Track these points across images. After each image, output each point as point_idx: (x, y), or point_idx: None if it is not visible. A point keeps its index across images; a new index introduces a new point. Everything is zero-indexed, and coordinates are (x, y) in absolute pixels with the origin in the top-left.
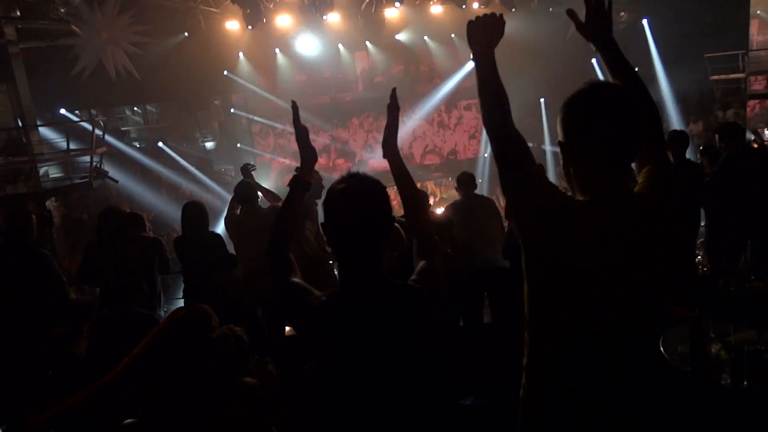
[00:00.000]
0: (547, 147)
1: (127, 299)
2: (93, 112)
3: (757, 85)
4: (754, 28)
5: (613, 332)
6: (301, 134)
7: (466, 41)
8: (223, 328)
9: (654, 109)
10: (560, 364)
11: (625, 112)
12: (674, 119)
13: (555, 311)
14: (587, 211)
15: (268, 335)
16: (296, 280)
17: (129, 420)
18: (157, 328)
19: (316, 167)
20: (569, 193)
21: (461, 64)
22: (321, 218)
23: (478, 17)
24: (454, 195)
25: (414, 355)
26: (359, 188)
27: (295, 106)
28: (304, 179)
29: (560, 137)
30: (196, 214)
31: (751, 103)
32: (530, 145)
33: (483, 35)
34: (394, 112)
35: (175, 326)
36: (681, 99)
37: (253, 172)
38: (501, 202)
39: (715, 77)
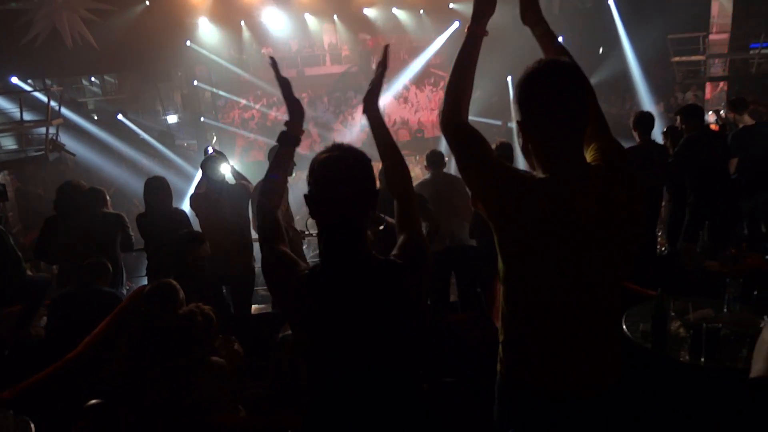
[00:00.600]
0: (515, 125)
1: (91, 278)
2: (48, 82)
3: (715, 68)
4: (714, 11)
5: (573, 305)
6: (285, 87)
7: (434, 16)
8: (190, 306)
9: (590, 86)
10: (531, 336)
11: (577, 87)
12: (644, 98)
13: (524, 285)
14: (546, 186)
15: (233, 313)
16: (285, 248)
17: (93, 401)
18: (121, 305)
19: None
20: (531, 171)
21: (430, 41)
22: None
23: None
24: (419, 174)
25: (399, 330)
26: (345, 159)
27: (273, 62)
28: (293, 133)
29: (517, 116)
30: (158, 189)
31: (709, 85)
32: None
33: (482, 8)
34: (381, 69)
35: (141, 300)
36: (644, 78)
37: (214, 143)
38: None
39: (677, 59)
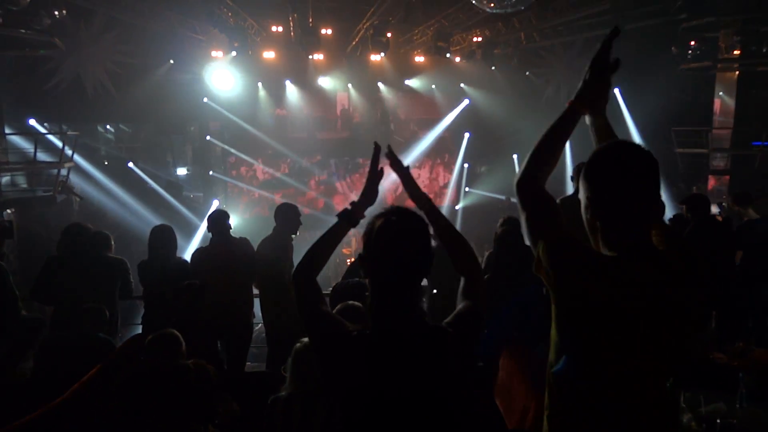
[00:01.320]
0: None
1: (87, 323)
2: (63, 127)
3: (717, 162)
4: (716, 108)
5: (638, 385)
6: (374, 176)
7: (445, 93)
8: (190, 361)
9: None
10: (587, 412)
11: (652, 168)
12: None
13: (585, 359)
14: (617, 266)
15: (227, 369)
16: (328, 309)
17: None
18: (114, 352)
19: (298, 202)
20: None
21: (440, 115)
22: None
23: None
24: None
25: (444, 397)
26: (405, 224)
27: (377, 148)
28: (356, 215)
29: (587, 192)
30: (164, 238)
31: (711, 178)
32: (502, 197)
33: (594, 95)
34: (400, 167)
35: (141, 347)
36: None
37: (221, 198)
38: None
39: (681, 150)
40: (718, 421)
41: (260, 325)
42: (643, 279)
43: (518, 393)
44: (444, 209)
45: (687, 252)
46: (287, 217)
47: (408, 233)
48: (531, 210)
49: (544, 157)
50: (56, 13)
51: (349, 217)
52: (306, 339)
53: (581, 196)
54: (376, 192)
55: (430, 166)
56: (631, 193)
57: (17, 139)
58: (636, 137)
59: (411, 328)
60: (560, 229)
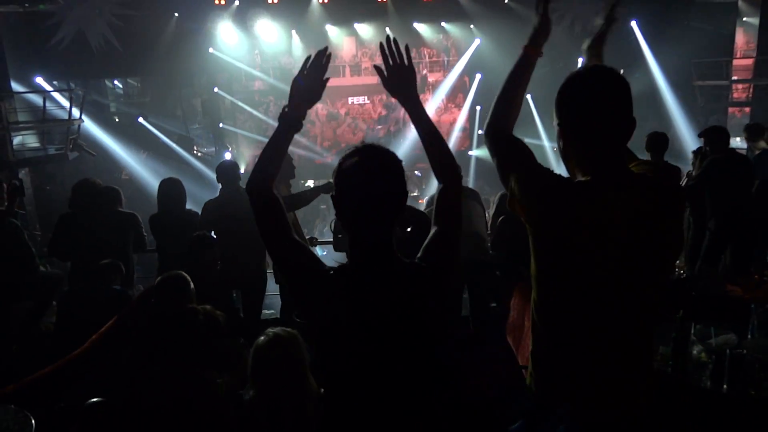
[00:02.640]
0: (545, 143)
1: (103, 277)
2: (71, 84)
3: (737, 93)
4: (739, 37)
5: (605, 321)
6: (318, 69)
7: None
8: (199, 307)
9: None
10: (560, 353)
11: (623, 92)
12: (677, 119)
13: (555, 293)
14: (587, 189)
15: (243, 318)
16: (295, 237)
17: (93, 399)
18: (131, 304)
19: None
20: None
21: (449, 57)
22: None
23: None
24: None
25: (422, 336)
26: (375, 160)
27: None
28: (294, 114)
29: (557, 119)
30: (173, 191)
31: (731, 110)
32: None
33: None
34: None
35: (151, 290)
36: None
37: (231, 150)
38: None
39: (700, 83)
40: (728, 351)
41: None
42: (616, 202)
43: (529, 331)
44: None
45: (666, 183)
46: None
47: (378, 168)
48: (503, 152)
49: (508, 103)
50: None
51: (288, 118)
52: (271, 333)
53: (553, 123)
54: (319, 88)
55: (443, 108)
56: (599, 116)
57: (26, 98)
58: (657, 71)
59: (387, 266)
60: (533, 160)
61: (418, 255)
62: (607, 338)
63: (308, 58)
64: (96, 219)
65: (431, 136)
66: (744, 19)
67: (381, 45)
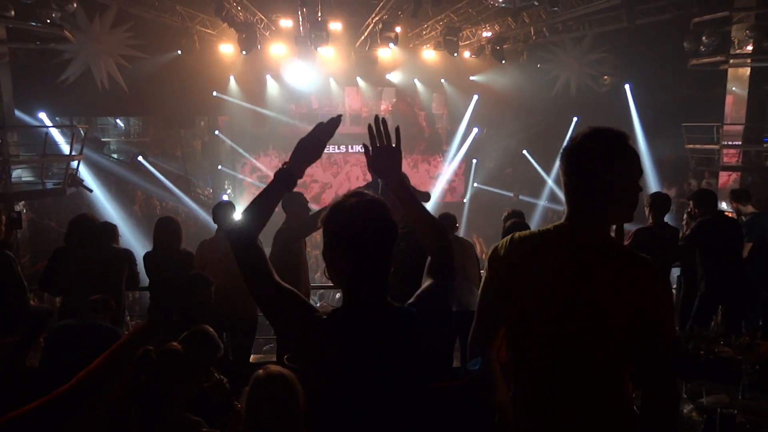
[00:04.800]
0: (543, 203)
1: (93, 312)
2: (73, 120)
3: (728, 158)
4: (729, 102)
5: (562, 379)
6: (322, 133)
7: (452, 87)
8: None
9: None
10: (525, 403)
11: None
12: (651, 183)
13: (517, 347)
14: (555, 244)
15: (232, 361)
16: (285, 285)
17: None
18: (120, 341)
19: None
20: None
21: (448, 110)
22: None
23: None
24: None
25: (414, 377)
26: (368, 205)
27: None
28: (291, 172)
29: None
30: (169, 229)
31: (723, 175)
32: (509, 194)
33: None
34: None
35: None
36: (657, 164)
37: (229, 193)
38: (482, 247)
39: (691, 146)
40: (719, 411)
41: None
42: (574, 266)
43: None
44: (444, 205)
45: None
46: (295, 206)
47: (371, 213)
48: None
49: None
50: (68, 6)
51: (284, 175)
52: (271, 368)
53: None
54: (320, 149)
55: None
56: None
57: (27, 133)
58: (639, 133)
59: (380, 312)
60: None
61: (410, 301)
62: (565, 399)
63: (320, 124)
64: (91, 253)
65: (416, 214)
66: (733, 89)
67: (369, 126)
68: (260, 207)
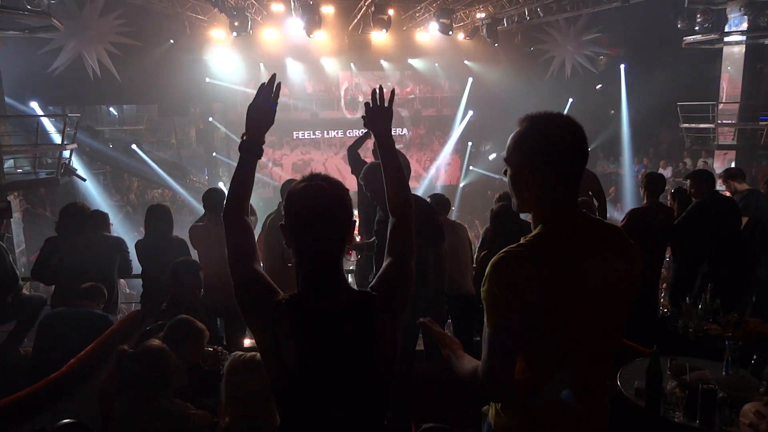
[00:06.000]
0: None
1: (85, 300)
2: (66, 109)
3: (724, 137)
4: (724, 82)
5: (575, 371)
6: (268, 94)
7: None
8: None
9: None
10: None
11: (580, 140)
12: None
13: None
14: (540, 250)
15: (226, 346)
16: (262, 271)
17: (66, 420)
18: (112, 328)
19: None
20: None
21: (443, 91)
22: None
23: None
24: None
25: (371, 362)
26: (323, 187)
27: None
28: (250, 142)
29: (526, 162)
30: (161, 216)
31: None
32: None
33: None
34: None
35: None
36: (653, 144)
37: (225, 180)
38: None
39: (686, 125)
40: (701, 387)
41: None
42: (578, 255)
43: None
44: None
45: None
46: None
47: (325, 196)
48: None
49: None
50: None
51: (248, 146)
52: (241, 353)
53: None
54: (270, 112)
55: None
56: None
57: (20, 122)
58: (625, 115)
59: (336, 294)
60: None
61: (371, 283)
62: (577, 388)
63: (262, 85)
64: (82, 242)
65: (393, 167)
66: (728, 68)
67: (372, 91)
68: (238, 182)
